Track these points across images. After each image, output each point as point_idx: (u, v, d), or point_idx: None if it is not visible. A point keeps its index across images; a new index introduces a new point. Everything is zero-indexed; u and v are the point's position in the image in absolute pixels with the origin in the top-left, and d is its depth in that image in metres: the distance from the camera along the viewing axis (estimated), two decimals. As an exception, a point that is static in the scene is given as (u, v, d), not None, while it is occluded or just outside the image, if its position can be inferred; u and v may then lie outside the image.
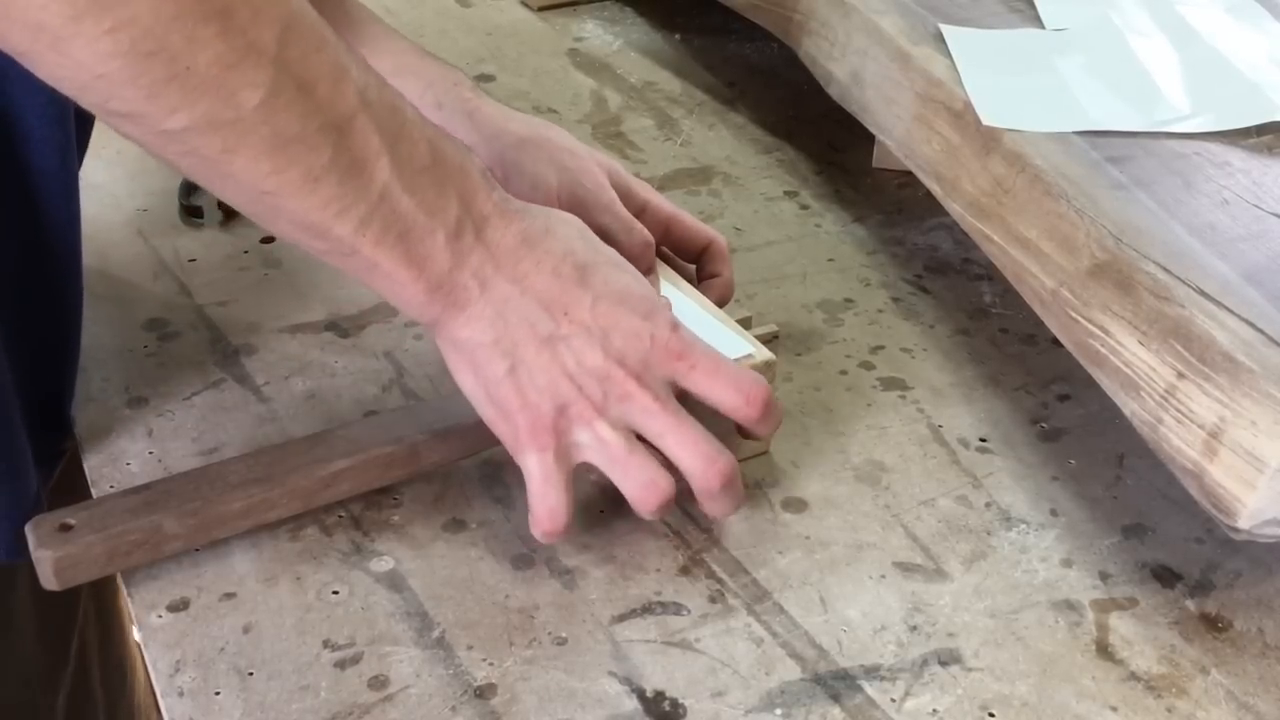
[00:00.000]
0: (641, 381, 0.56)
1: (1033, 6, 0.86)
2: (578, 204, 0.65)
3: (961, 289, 0.82)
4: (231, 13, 0.44)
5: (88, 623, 0.81)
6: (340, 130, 0.48)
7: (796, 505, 0.64)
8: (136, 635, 0.58)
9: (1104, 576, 0.61)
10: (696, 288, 0.70)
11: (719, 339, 0.65)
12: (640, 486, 0.56)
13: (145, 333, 0.74)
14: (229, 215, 0.81)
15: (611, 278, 0.57)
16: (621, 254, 0.61)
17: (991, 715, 0.54)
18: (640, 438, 0.57)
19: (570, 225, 0.58)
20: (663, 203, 0.70)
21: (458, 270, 0.54)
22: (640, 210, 0.69)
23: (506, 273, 0.55)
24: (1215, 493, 0.54)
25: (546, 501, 0.56)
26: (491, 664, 0.55)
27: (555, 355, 0.55)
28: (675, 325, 0.58)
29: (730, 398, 0.58)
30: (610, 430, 0.56)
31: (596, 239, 0.59)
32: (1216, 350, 0.54)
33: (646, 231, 0.67)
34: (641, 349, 0.56)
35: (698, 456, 0.57)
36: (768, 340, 0.71)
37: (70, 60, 0.42)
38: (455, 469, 0.65)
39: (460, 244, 0.53)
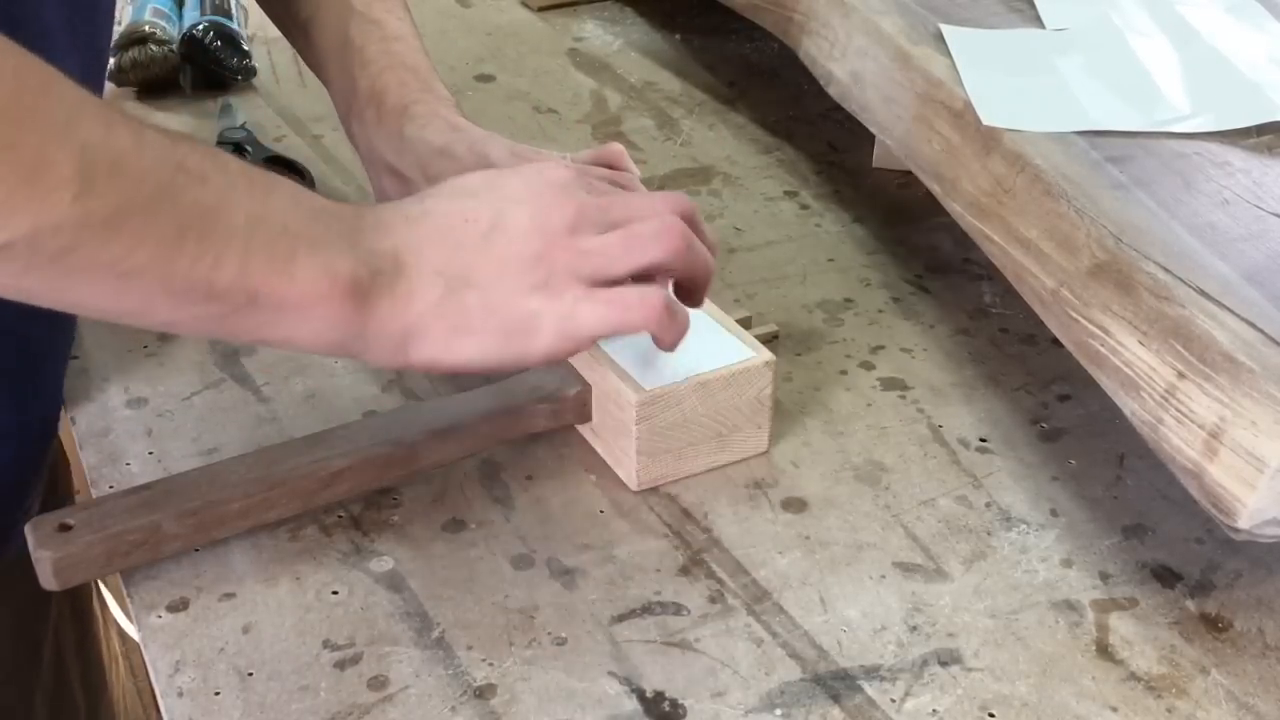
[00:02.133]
0: (577, 226, 0.56)
1: (1033, 6, 0.86)
2: None
3: (961, 289, 0.82)
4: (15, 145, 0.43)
5: (62, 621, 0.81)
6: (169, 189, 0.47)
7: (796, 505, 0.64)
8: (135, 635, 0.58)
9: (1104, 576, 0.61)
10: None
11: (718, 340, 0.65)
12: (629, 309, 0.55)
13: (145, 333, 0.74)
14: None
15: (500, 181, 0.57)
16: None
17: (991, 715, 0.54)
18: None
19: (455, 181, 0.58)
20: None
21: (365, 262, 0.52)
22: None
23: (410, 235, 0.54)
24: (1215, 493, 0.54)
25: (627, 300, 0.55)
26: (491, 664, 0.55)
27: (494, 254, 0.54)
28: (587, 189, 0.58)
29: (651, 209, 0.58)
30: (585, 293, 0.55)
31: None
32: (1217, 350, 0.54)
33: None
34: (567, 210, 0.56)
35: (650, 210, 0.57)
36: (768, 340, 0.71)
37: None
38: (455, 469, 0.65)
39: (359, 240, 0.52)
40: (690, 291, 0.60)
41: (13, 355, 0.64)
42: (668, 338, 0.57)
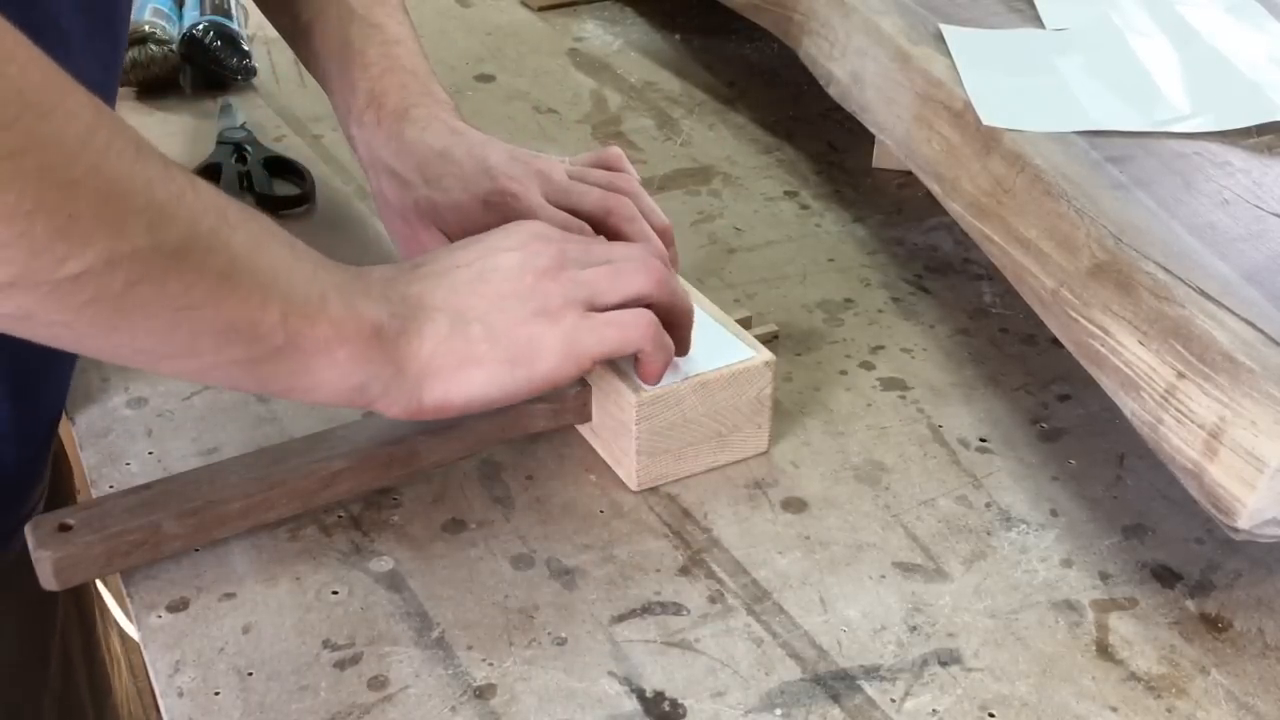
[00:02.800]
0: (564, 264, 0.59)
1: (1033, 6, 0.86)
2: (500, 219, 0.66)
3: (961, 289, 0.82)
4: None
5: (69, 622, 0.81)
6: (220, 230, 0.48)
7: (796, 505, 0.64)
8: (135, 635, 0.58)
9: (1104, 576, 0.61)
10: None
11: (719, 340, 0.65)
12: (626, 327, 0.59)
13: (145, 333, 0.74)
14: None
15: (484, 237, 0.60)
16: None
17: (991, 715, 0.54)
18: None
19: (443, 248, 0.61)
20: (585, 193, 0.69)
21: (383, 307, 0.54)
22: (575, 205, 0.68)
23: (412, 284, 0.57)
24: (1215, 493, 0.54)
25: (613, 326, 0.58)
26: (491, 664, 0.55)
27: (488, 290, 0.57)
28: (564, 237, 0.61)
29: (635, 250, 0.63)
30: (582, 316, 0.58)
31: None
32: (1216, 350, 0.54)
33: (580, 224, 0.66)
34: (551, 250, 0.59)
35: (630, 251, 0.62)
36: (768, 340, 0.71)
37: None
38: (455, 469, 0.65)
39: (371, 289, 0.55)
40: (674, 332, 0.62)
41: (18, 356, 0.65)
42: (658, 361, 0.60)
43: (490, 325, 0.56)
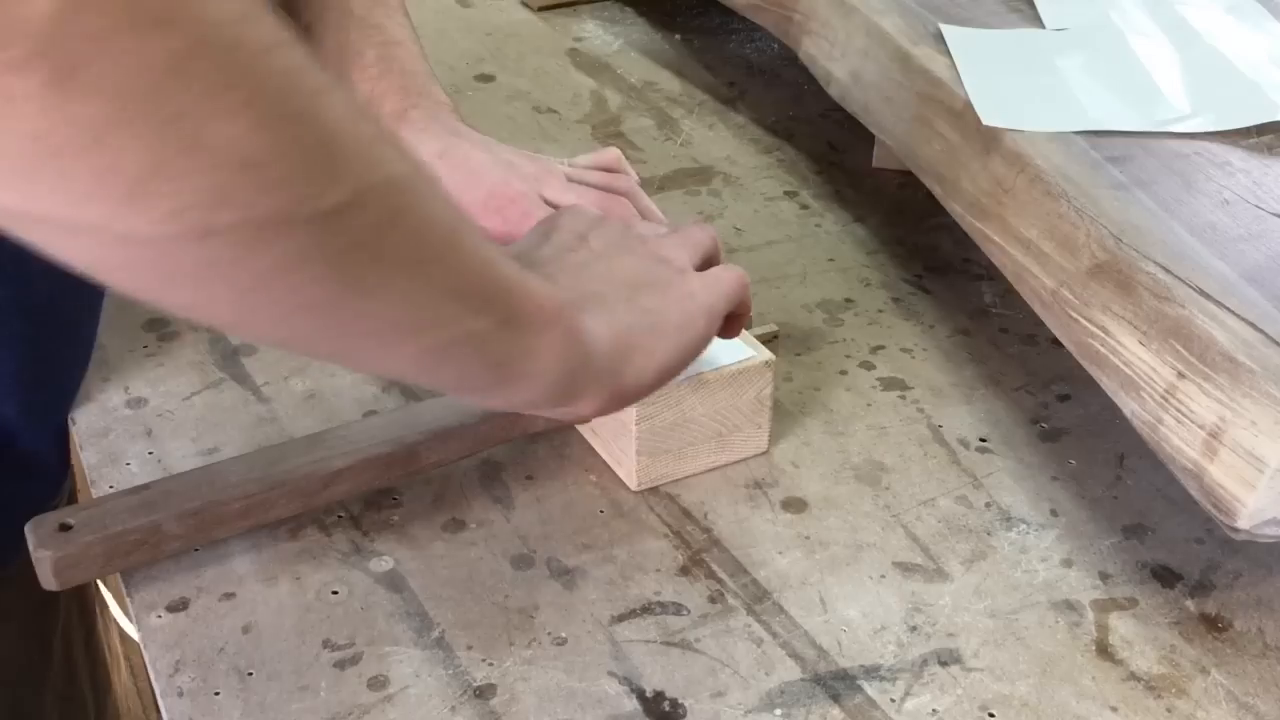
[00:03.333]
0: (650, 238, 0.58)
1: (1033, 6, 0.86)
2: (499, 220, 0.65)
3: (961, 289, 0.82)
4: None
5: (71, 621, 0.81)
6: (435, 180, 0.44)
7: (796, 505, 0.64)
8: (135, 635, 0.58)
9: (1104, 576, 0.61)
10: None
11: (718, 340, 0.65)
12: (736, 280, 0.57)
13: (145, 333, 0.74)
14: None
15: (561, 220, 0.58)
16: None
17: (991, 715, 0.54)
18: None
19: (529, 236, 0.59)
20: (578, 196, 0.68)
21: (565, 288, 0.51)
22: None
23: (554, 271, 0.54)
24: (1215, 493, 0.54)
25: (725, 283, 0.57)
26: (491, 664, 0.55)
27: (621, 264, 0.55)
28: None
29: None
30: (698, 274, 0.57)
31: None
32: (1216, 350, 0.54)
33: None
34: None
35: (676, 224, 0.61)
36: (768, 340, 0.71)
37: (204, 159, 0.34)
38: (455, 469, 0.65)
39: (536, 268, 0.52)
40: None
41: (34, 344, 0.65)
42: (745, 318, 0.59)
43: (650, 296, 0.54)
